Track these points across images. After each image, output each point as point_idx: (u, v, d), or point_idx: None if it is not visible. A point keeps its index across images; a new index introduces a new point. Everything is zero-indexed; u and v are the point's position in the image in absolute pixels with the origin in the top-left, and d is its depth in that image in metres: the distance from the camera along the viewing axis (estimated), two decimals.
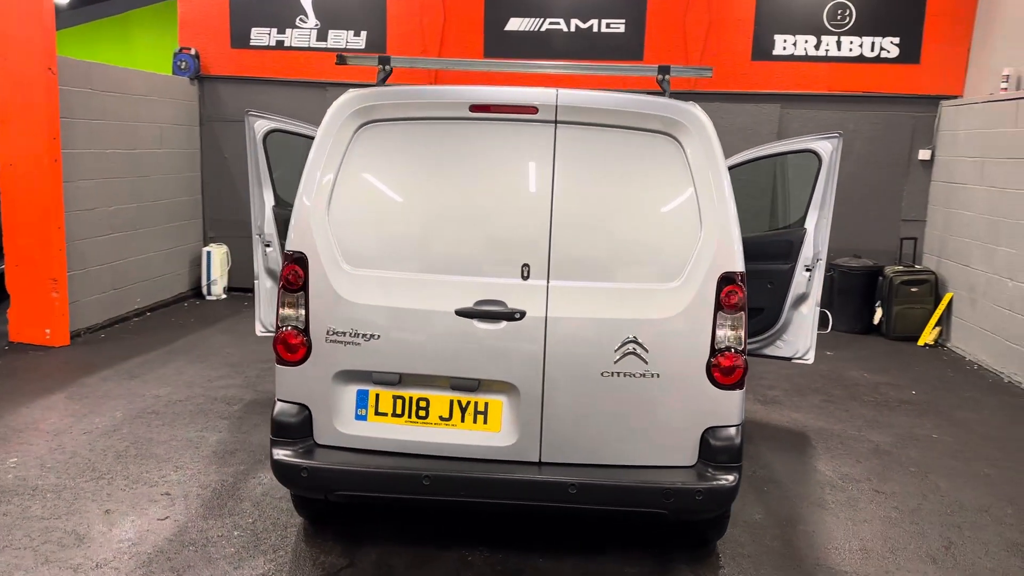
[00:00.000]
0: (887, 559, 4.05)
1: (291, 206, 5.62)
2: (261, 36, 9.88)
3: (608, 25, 9.51)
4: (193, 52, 9.79)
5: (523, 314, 3.43)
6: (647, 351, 3.43)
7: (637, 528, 4.22)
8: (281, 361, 3.62)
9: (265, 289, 6.08)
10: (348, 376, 3.57)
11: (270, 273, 6.01)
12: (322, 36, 9.82)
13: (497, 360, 3.47)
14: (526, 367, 3.46)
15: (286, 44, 9.87)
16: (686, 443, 3.49)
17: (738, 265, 3.43)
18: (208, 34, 9.90)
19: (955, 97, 9.19)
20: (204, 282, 9.97)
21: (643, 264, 3.47)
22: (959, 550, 4.18)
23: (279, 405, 3.64)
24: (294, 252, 3.56)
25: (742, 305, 3.44)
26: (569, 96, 3.50)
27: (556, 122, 3.50)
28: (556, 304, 3.44)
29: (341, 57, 3.93)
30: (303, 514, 4.15)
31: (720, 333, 3.44)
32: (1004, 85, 8.03)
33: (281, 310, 3.60)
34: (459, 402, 3.54)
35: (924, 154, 9.35)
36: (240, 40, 9.90)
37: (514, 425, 3.50)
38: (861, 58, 9.40)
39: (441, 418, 3.55)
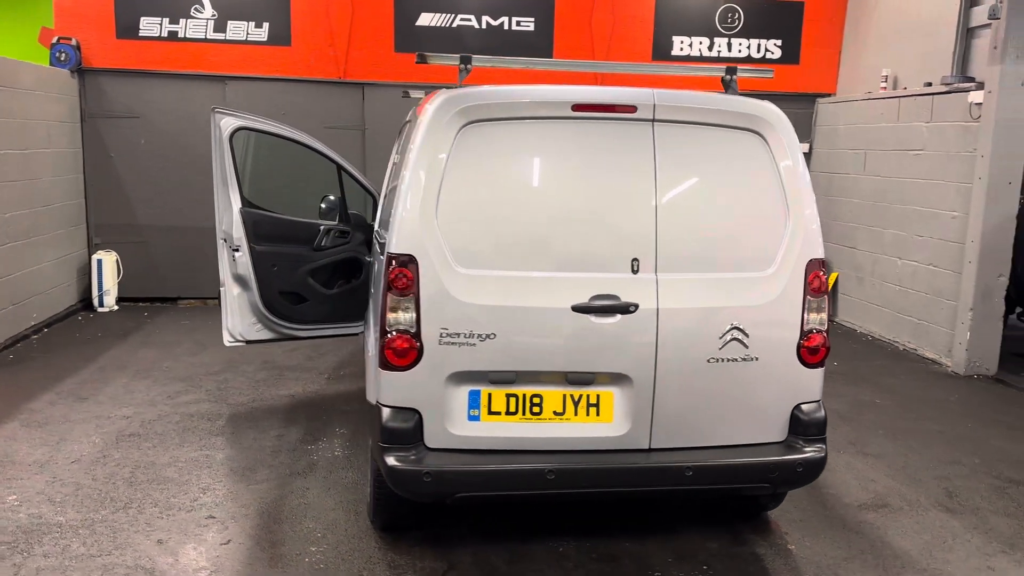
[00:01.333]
0: (908, 511, 4.52)
1: (259, 208, 5.45)
2: (151, 26, 9.22)
3: (518, 23, 9.67)
4: (74, 43, 8.99)
5: (636, 307, 3.55)
6: (747, 336, 3.65)
7: (698, 505, 4.45)
8: (389, 367, 3.53)
9: (232, 296, 5.79)
10: (460, 377, 3.55)
11: (238, 279, 5.74)
12: (220, 27, 9.30)
13: (612, 353, 3.57)
14: (639, 358, 3.59)
15: (180, 35, 9.27)
16: (778, 420, 3.75)
17: (820, 252, 3.73)
18: (90, 23, 9.11)
19: (829, 95, 10.12)
20: (96, 293, 9.20)
21: (740, 254, 3.69)
22: (960, 497, 4.73)
23: (387, 411, 3.55)
24: (402, 255, 3.48)
25: (826, 288, 3.75)
26: (665, 95, 3.65)
27: (654, 120, 3.63)
28: (665, 296, 3.59)
29: (422, 56, 3.85)
30: (380, 523, 4.05)
31: (808, 316, 3.72)
32: (884, 84, 8.96)
33: (389, 315, 3.51)
34: (572, 396, 3.61)
35: (803, 147, 10.20)
36: (127, 30, 9.19)
37: (626, 415, 3.62)
38: (749, 59, 10.14)
39: (555, 413, 3.61)
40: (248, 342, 5.90)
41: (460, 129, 3.52)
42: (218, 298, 9.72)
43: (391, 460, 3.49)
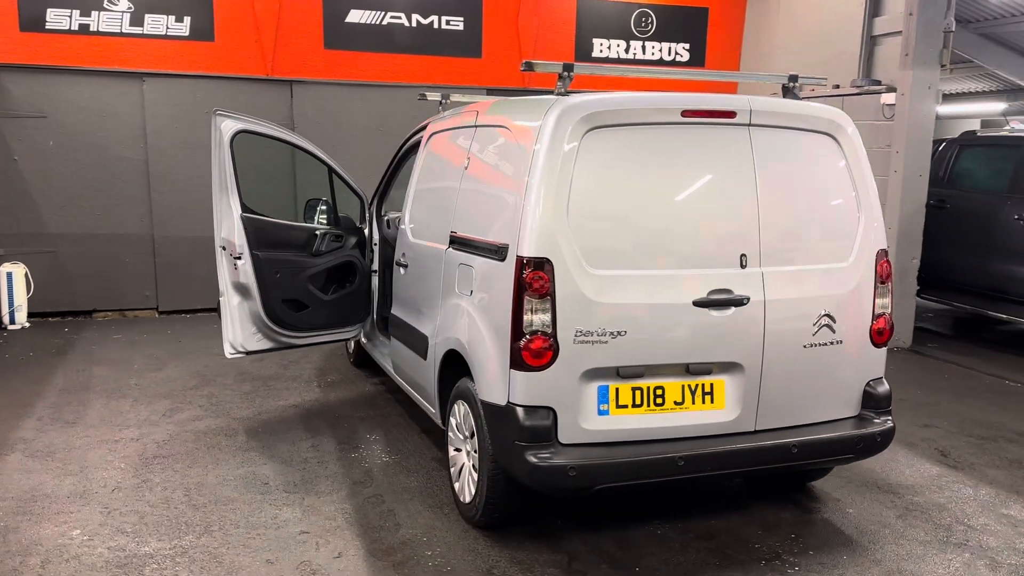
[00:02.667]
0: (921, 472, 5.07)
1: (259, 214, 5.31)
2: (60, 19, 8.54)
3: (448, 22, 9.73)
4: None
5: (748, 299, 3.83)
6: (835, 322, 4.02)
7: (732, 486, 4.80)
8: (525, 367, 3.62)
9: (232, 306, 5.60)
10: (592, 374, 3.69)
11: (239, 288, 5.56)
12: (137, 20, 8.77)
13: (727, 343, 3.83)
14: (749, 346, 3.87)
15: (92, 29, 8.66)
16: (854, 396, 4.15)
17: (884, 243, 4.16)
18: None
19: None
20: (5, 310, 8.44)
21: (825, 247, 4.05)
22: (952, 455, 5.36)
23: (522, 411, 3.63)
24: (538, 258, 3.58)
25: (889, 275, 4.18)
26: (759, 102, 3.94)
27: (750, 125, 3.92)
28: (770, 288, 3.89)
29: (528, 64, 3.91)
30: (486, 521, 4.10)
31: (877, 301, 4.14)
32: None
33: (527, 316, 3.60)
34: (689, 386, 3.84)
35: None
36: (32, 23, 8.48)
37: (736, 400, 3.89)
38: (661, 61, 10.69)
39: (675, 403, 3.82)
40: (248, 353, 5.71)
41: (585, 134, 3.65)
42: (138, 309, 9.21)
43: (533, 458, 3.58)
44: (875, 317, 4.14)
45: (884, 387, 4.20)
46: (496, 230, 3.88)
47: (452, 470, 4.41)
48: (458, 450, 4.39)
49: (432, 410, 4.73)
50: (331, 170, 6.18)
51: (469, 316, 4.07)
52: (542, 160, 3.63)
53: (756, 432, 3.95)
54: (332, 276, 6.07)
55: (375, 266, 6.42)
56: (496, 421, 3.79)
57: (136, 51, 8.78)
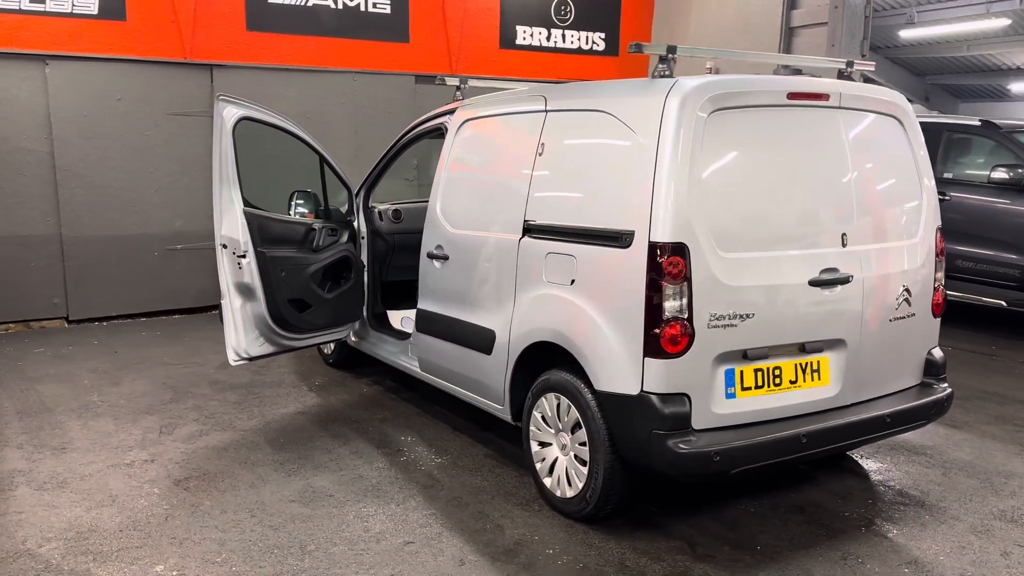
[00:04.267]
0: (939, 436, 5.44)
1: (257, 207, 4.94)
2: None
3: (374, 5, 9.38)
4: None
5: (851, 277, 3.96)
6: (911, 295, 4.24)
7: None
8: (662, 355, 3.57)
9: (235, 309, 5.20)
10: (722, 358, 3.69)
11: (242, 289, 5.16)
12: None
13: (835, 321, 3.95)
14: (850, 323, 4.00)
15: None
16: (919, 365, 4.39)
17: (939, 220, 4.43)
18: None
19: None
20: None
21: (901, 224, 4.25)
22: (947, 418, 5.79)
23: (658, 398, 3.58)
24: (675, 243, 3.53)
25: (943, 250, 4.46)
26: (847, 86, 4.07)
27: (840, 108, 4.04)
28: (867, 266, 4.04)
29: (636, 46, 3.80)
30: (593, 514, 4.01)
31: (936, 275, 4.40)
32: None
33: (666, 303, 3.54)
34: (800, 364, 3.93)
35: None
36: None
37: (838, 376, 4.02)
38: (579, 50, 10.83)
39: (790, 382, 3.90)
40: (252, 359, 5.30)
41: (709, 116, 3.63)
42: (44, 319, 8.26)
43: (676, 446, 3.54)
44: (934, 290, 4.39)
45: (941, 355, 4.46)
46: (610, 217, 3.79)
47: (539, 465, 4.28)
48: (542, 445, 4.26)
49: (497, 407, 4.57)
50: (323, 160, 5.81)
51: (573, 307, 3.94)
52: (670, 143, 3.57)
53: (851, 406, 4.08)
54: (328, 272, 5.72)
55: (364, 260, 6.10)
56: (622, 411, 3.71)
57: (38, 30, 7.85)
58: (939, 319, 4.47)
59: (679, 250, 3.53)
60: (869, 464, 4.86)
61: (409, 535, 3.92)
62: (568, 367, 4.05)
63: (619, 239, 3.71)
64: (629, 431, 3.71)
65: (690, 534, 3.99)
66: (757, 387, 3.80)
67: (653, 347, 3.57)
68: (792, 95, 3.87)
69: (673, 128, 3.57)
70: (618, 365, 3.71)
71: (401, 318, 6.33)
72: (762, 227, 3.80)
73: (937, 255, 4.39)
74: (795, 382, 3.90)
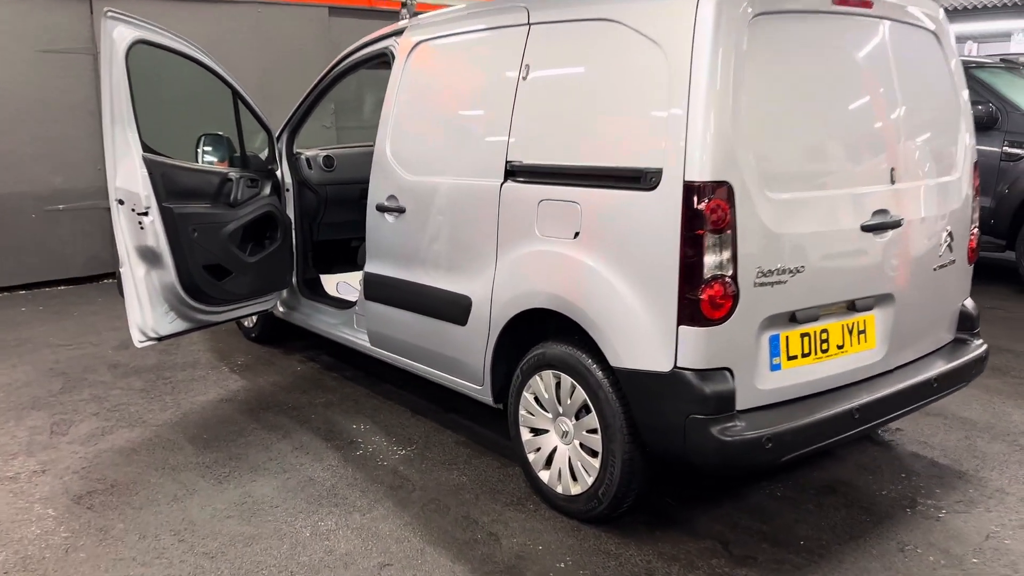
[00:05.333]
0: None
1: (159, 153, 4.03)
2: None
3: None
4: None
5: (902, 221, 3.35)
6: (953, 240, 3.67)
7: None
8: (702, 321, 2.88)
9: (139, 279, 4.28)
10: (768, 323, 3.04)
11: (146, 254, 4.24)
12: None
13: (884, 272, 3.35)
14: (900, 275, 3.41)
15: None
16: (953, 320, 3.86)
17: (975, 153, 3.87)
18: None
19: None
20: None
21: (942, 158, 3.65)
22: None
23: (696, 375, 2.90)
24: (716, 182, 2.82)
25: (979, 188, 3.91)
26: None
27: (883, 18, 3.39)
28: (914, 206, 3.44)
29: None
30: (607, 513, 3.34)
31: (974, 215, 3.86)
32: None
33: (706, 258, 2.84)
34: (847, 326, 3.31)
35: None
36: None
37: (883, 337, 3.43)
38: None
39: (837, 347, 3.28)
40: (161, 338, 4.39)
41: (751, 22, 2.92)
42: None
43: (720, 433, 2.87)
44: (971, 234, 3.84)
45: (974, 306, 3.94)
46: (627, 152, 3.05)
47: (533, 457, 3.56)
48: (536, 432, 3.55)
49: (475, 387, 3.81)
50: (237, 96, 4.84)
51: (578, 265, 3.20)
52: (707, 55, 2.83)
53: (894, 370, 3.51)
54: (249, 232, 4.80)
55: (291, 216, 5.20)
56: (648, 392, 3.01)
57: None
58: (971, 266, 3.93)
59: (722, 191, 2.82)
60: (891, 430, 4.34)
61: (384, 554, 3.15)
62: (570, 338, 3.33)
63: (641, 179, 2.97)
64: (657, 417, 3.02)
65: (719, 531, 3.36)
66: (804, 355, 3.17)
67: (690, 313, 2.87)
68: (838, 0, 3.18)
69: (710, 36, 2.83)
70: (643, 336, 3.00)
71: (337, 283, 5.47)
72: (811, 161, 3.14)
73: (975, 193, 3.83)
74: (842, 347, 3.29)
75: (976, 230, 3.86)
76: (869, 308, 3.32)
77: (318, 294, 5.25)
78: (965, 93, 3.76)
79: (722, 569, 3.10)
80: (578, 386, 3.28)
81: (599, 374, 3.17)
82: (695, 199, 2.81)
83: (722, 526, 3.40)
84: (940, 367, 3.58)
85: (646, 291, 2.98)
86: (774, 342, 3.08)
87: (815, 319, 3.14)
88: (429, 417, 4.47)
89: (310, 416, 4.50)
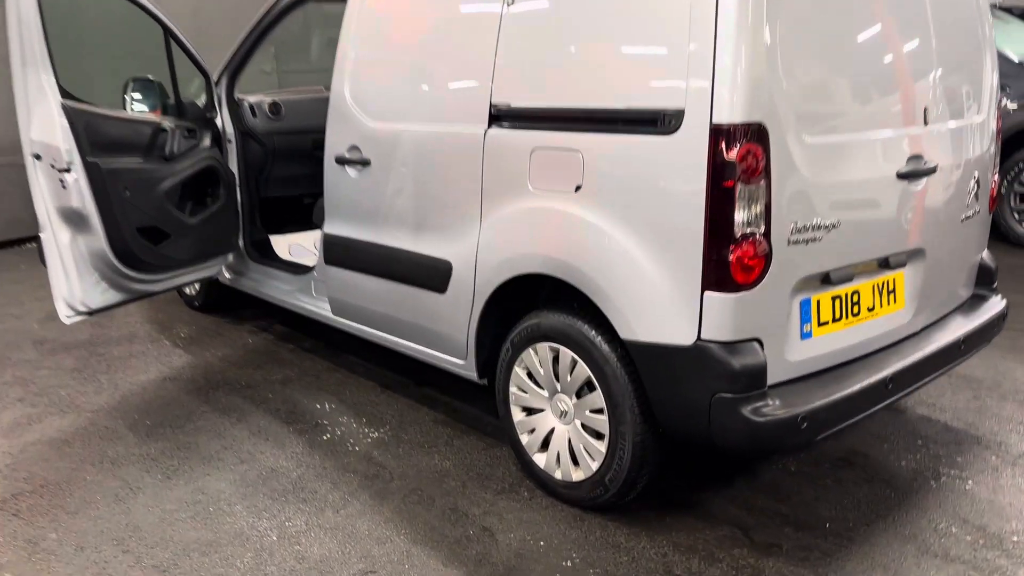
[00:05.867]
0: None
1: (79, 99, 3.52)
2: None
3: None
4: None
5: (936, 168, 3.01)
6: (979, 188, 3.36)
7: None
8: (730, 287, 2.50)
9: (63, 246, 3.76)
10: (800, 286, 2.69)
11: (70, 217, 3.73)
12: None
13: (918, 224, 3.02)
14: (929, 227, 3.08)
15: None
16: (972, 274, 3.57)
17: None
18: None
19: None
20: None
21: (971, 96, 3.31)
22: None
23: (722, 350, 2.53)
24: (750, 124, 2.42)
25: (1001, 130, 3.60)
26: None
27: None
28: (946, 151, 3.10)
29: None
30: (613, 500, 2.99)
31: (996, 161, 3.54)
32: None
33: (737, 213, 2.45)
34: (877, 285, 2.98)
35: None
36: None
37: (912, 296, 3.11)
38: None
39: (868, 309, 2.95)
40: (91, 312, 3.88)
41: None
42: None
43: (752, 413, 2.52)
44: (992, 179, 3.53)
45: (992, 259, 3.65)
46: (641, 91, 2.62)
47: (526, 439, 3.18)
48: (529, 412, 3.16)
49: (457, 361, 3.40)
50: (169, 35, 4.25)
51: (581, 224, 2.79)
52: None
53: (921, 331, 3.20)
54: (189, 189, 4.27)
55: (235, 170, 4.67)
56: (666, 368, 2.64)
57: None
58: (990, 215, 3.63)
59: (757, 135, 2.43)
60: (907, 403, 4.06)
61: (365, 559, 2.75)
62: (568, 307, 2.93)
63: (659, 122, 2.55)
64: (677, 396, 2.65)
65: (735, 514, 3.03)
66: (835, 320, 2.83)
67: (717, 277, 2.49)
68: None
69: None
70: (660, 305, 2.61)
71: (290, 245, 4.96)
72: (847, 99, 2.78)
73: (997, 136, 3.51)
74: (872, 309, 2.96)
75: (996, 176, 3.55)
76: (902, 265, 2.99)
77: (269, 258, 4.74)
78: (990, 24, 3.41)
79: (746, 560, 2.77)
80: (580, 361, 2.89)
81: (605, 348, 2.79)
82: (724, 144, 2.41)
83: (738, 509, 3.07)
84: (966, 327, 3.29)
85: (664, 252, 2.58)
86: (805, 307, 2.73)
87: (849, 280, 2.79)
88: (401, 393, 4.05)
89: (267, 395, 4.04)
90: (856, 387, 2.75)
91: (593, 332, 2.83)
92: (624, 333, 2.70)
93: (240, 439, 3.59)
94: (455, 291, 3.27)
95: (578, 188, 2.79)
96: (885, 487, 3.22)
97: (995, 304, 3.52)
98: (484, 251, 3.13)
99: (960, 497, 3.15)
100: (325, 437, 3.61)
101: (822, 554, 2.81)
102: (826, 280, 2.73)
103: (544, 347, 3.01)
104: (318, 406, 3.91)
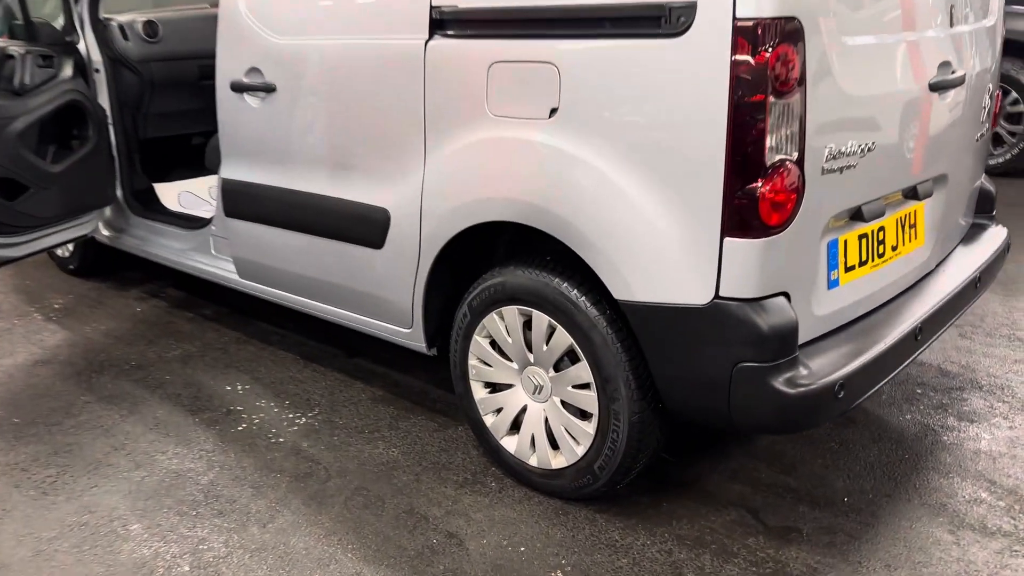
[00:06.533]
0: None
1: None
2: None
3: None
4: None
5: (964, 77, 2.56)
6: (990, 101, 2.95)
7: None
8: (758, 230, 1.99)
9: None
10: (829, 226, 2.21)
11: None
12: None
13: (944, 145, 2.58)
14: (954, 148, 2.66)
15: None
16: (974, 200, 3.19)
17: None
18: None
19: None
20: None
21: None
22: None
23: (746, 309, 2.04)
24: (783, 19, 1.89)
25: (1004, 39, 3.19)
26: None
27: None
28: (969, 58, 2.66)
29: None
30: (604, 490, 2.51)
31: (998, 71, 3.14)
32: None
33: (769, 136, 1.93)
34: (900, 219, 2.54)
35: None
36: None
37: (931, 231, 2.70)
38: None
39: (892, 248, 2.51)
40: None
41: None
42: None
43: (788, 384, 2.04)
44: (996, 92, 3.13)
45: (991, 182, 3.28)
46: None
47: (491, 420, 2.65)
48: (494, 388, 2.63)
49: (401, 330, 2.82)
50: None
51: (560, 157, 2.21)
52: None
53: (935, 269, 2.80)
54: (50, 130, 3.50)
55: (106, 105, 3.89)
56: (674, 334, 2.13)
57: None
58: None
59: (792, 34, 1.89)
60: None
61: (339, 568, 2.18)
62: (541, 261, 2.38)
63: (661, 21, 1.99)
64: (687, 367, 2.15)
65: (740, 493, 2.60)
66: (861, 264, 2.37)
67: (742, 218, 1.97)
68: None
69: None
70: (665, 256, 2.09)
71: (179, 194, 4.22)
72: None
73: (1002, 42, 3.09)
74: (896, 248, 2.52)
75: (999, 89, 3.15)
76: (928, 194, 2.55)
77: (154, 210, 4.00)
78: None
79: (764, 551, 2.34)
80: (560, 327, 2.35)
81: (593, 311, 2.26)
82: (751, 47, 1.87)
83: (741, 485, 2.64)
84: (978, 262, 2.89)
85: (671, 191, 2.05)
86: (832, 250, 2.26)
87: (881, 214, 2.32)
88: (327, 365, 3.44)
89: (164, 377, 3.36)
90: (889, 342, 2.31)
91: (575, 292, 2.29)
92: (619, 293, 2.17)
93: (134, 436, 2.92)
94: (395, 246, 2.67)
95: (553, 112, 2.21)
96: (896, 447, 2.84)
97: (998, 234, 3.15)
98: (431, 196, 2.53)
99: (978, 455, 2.79)
100: (240, 427, 2.98)
101: (848, 536, 2.40)
102: (857, 216, 2.26)
103: (512, 311, 2.46)
104: (228, 388, 3.27)
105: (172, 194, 4.19)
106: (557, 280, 2.32)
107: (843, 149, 2.10)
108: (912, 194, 2.47)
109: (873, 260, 2.40)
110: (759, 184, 1.94)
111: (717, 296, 2.04)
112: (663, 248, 2.08)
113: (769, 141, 1.92)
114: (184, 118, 4.21)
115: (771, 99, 1.90)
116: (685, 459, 2.77)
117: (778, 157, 1.95)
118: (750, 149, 1.92)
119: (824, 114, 2.02)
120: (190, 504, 2.55)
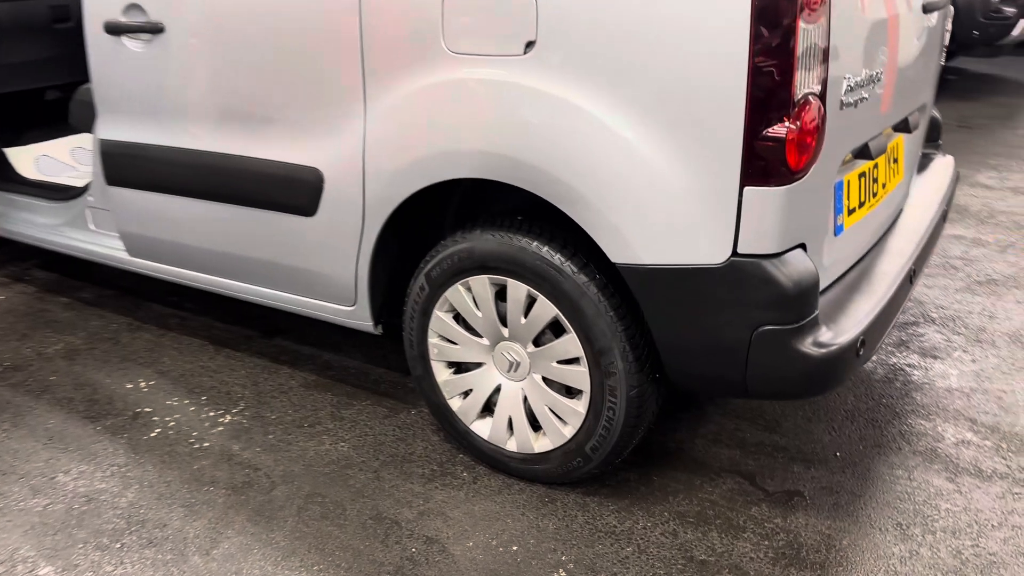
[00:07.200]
0: None
1: None
2: None
3: None
4: None
5: None
6: (949, 18, 2.82)
7: None
8: (782, 176, 1.75)
9: None
10: (841, 166, 2.00)
11: None
12: None
13: (928, 72, 2.42)
14: (931, 73, 2.51)
15: None
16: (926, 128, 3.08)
17: None
18: None
19: None
20: None
21: None
22: None
23: (765, 266, 1.80)
24: None
25: None
26: None
27: None
28: None
29: None
30: (593, 473, 2.27)
31: None
32: None
33: (798, 70, 1.68)
34: (888, 156, 2.38)
35: None
36: None
37: (908, 164, 2.57)
38: None
39: (883, 185, 2.35)
40: None
41: None
42: None
43: (815, 346, 1.84)
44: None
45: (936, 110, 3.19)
46: None
47: (458, 404, 2.34)
48: (460, 369, 2.32)
49: (342, 308, 2.45)
50: None
51: (541, 99, 1.89)
52: None
53: (902, 209, 2.67)
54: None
55: None
56: (684, 298, 1.88)
57: None
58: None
59: None
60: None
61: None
62: (513, 223, 2.07)
63: None
64: (698, 334, 1.90)
65: (730, 458, 2.43)
66: (860, 204, 2.19)
67: (767, 163, 1.72)
68: None
69: None
70: (673, 212, 1.82)
71: (36, 158, 3.60)
72: None
73: None
74: (885, 185, 2.35)
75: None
76: (916, 125, 2.37)
77: (9, 179, 3.40)
78: None
79: (771, 522, 2.17)
80: (541, 296, 2.05)
81: (581, 277, 1.97)
82: None
83: (729, 449, 2.46)
84: (940, 193, 2.79)
85: (679, 136, 1.77)
86: (839, 192, 2.05)
87: (883, 151, 2.13)
88: (243, 350, 3.02)
89: (48, 379, 2.85)
90: (892, 289, 2.15)
91: (559, 256, 1.99)
92: (617, 255, 1.89)
93: (24, 456, 2.44)
94: (331, 212, 2.28)
95: (529, 46, 1.87)
96: (870, 391, 2.75)
97: (948, 163, 3.06)
98: (375, 152, 2.15)
99: (951, 393, 2.73)
100: (154, 433, 2.55)
101: (851, 495, 2.27)
102: (862, 153, 2.05)
103: (481, 281, 2.14)
104: (130, 386, 2.80)
105: (28, 160, 3.58)
106: (536, 244, 2.02)
107: (859, 80, 1.88)
108: (903, 126, 2.29)
109: (869, 200, 2.22)
110: (786, 123, 1.68)
111: (735, 253, 1.79)
112: (671, 203, 1.80)
113: (797, 75, 1.67)
114: (34, 69, 3.57)
115: (801, 25, 1.63)
116: (661, 423, 2.56)
117: (806, 91, 1.70)
118: (776, 84, 1.66)
119: (843, 40, 1.79)
120: (111, 535, 2.13)
